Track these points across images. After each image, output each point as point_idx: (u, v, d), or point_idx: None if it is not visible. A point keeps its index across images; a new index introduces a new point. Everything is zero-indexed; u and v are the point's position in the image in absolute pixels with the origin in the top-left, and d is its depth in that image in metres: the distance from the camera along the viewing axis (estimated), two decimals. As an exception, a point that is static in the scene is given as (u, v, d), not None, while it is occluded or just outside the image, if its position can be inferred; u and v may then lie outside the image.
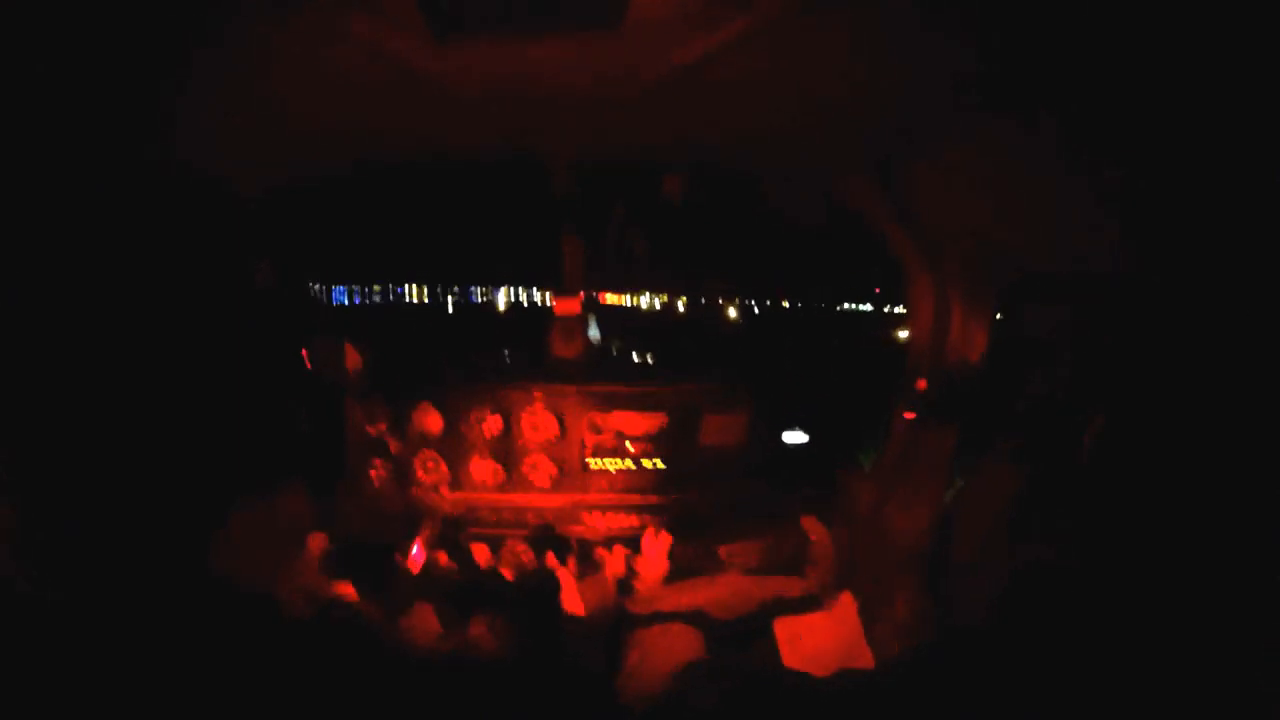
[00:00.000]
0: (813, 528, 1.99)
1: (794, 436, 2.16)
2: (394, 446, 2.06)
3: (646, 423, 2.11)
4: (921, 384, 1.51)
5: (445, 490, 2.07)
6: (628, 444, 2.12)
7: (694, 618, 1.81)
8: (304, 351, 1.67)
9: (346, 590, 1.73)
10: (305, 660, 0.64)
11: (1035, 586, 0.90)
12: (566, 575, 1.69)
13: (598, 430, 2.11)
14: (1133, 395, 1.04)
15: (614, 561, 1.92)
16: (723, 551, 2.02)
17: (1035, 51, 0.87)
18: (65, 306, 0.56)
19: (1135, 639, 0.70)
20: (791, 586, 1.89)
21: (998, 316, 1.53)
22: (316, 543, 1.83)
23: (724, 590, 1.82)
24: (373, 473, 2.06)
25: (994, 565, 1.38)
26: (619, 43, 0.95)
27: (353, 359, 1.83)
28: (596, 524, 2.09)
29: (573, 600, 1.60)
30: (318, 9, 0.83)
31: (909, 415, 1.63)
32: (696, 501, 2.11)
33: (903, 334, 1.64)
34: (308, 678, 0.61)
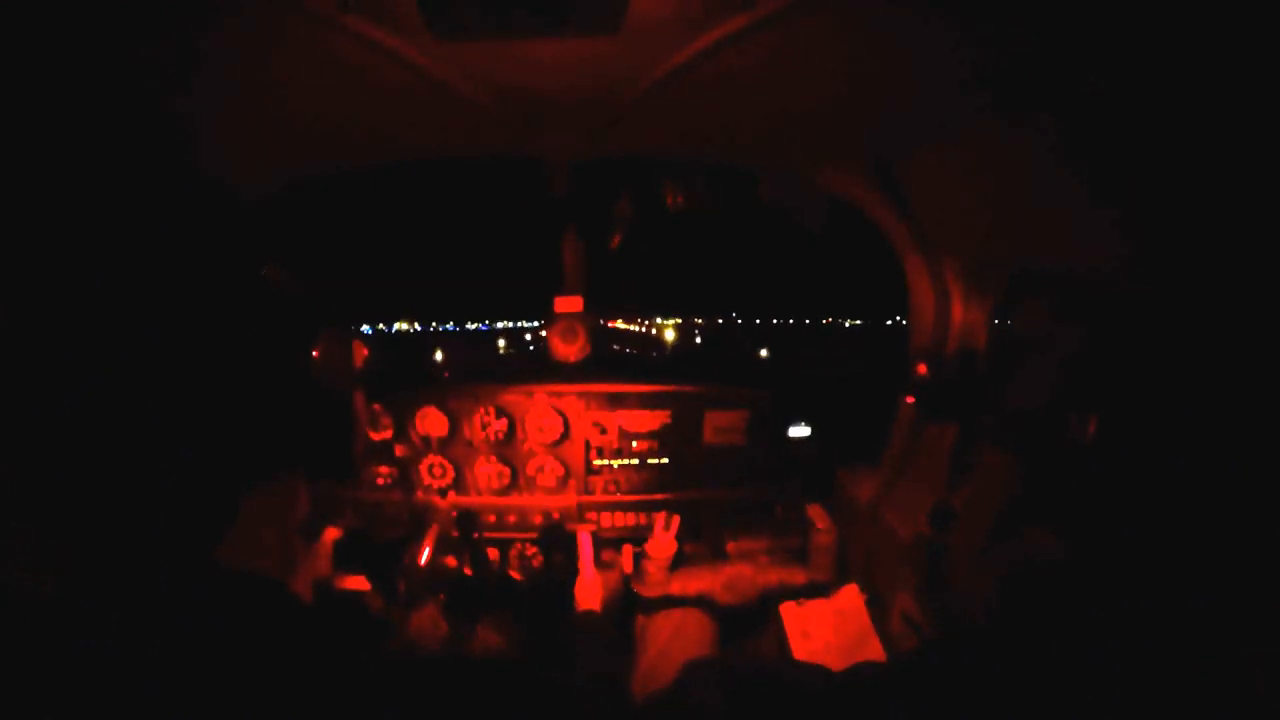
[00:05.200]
0: (818, 516, 2.01)
1: (798, 430, 2.16)
2: (399, 451, 2.07)
3: (650, 421, 2.12)
4: (922, 368, 1.51)
5: (452, 494, 2.08)
6: (632, 443, 2.13)
7: (701, 602, 1.83)
8: (315, 349, 1.69)
9: (358, 583, 1.74)
10: (314, 651, 0.64)
11: (1037, 579, 0.91)
12: (587, 564, 1.69)
13: (602, 430, 2.12)
14: (1132, 391, 1.04)
15: (623, 561, 1.93)
16: (730, 547, 2.03)
17: (1036, 52, 0.87)
18: (74, 303, 0.57)
19: (1137, 631, 0.71)
20: (796, 575, 1.91)
21: (996, 322, 1.53)
22: (330, 536, 1.85)
23: (730, 577, 1.84)
24: (379, 479, 2.07)
25: (995, 559, 1.38)
26: (619, 45, 0.95)
27: (360, 354, 1.86)
28: (603, 524, 2.10)
29: (589, 594, 1.60)
30: (317, 9, 0.84)
31: (909, 400, 1.64)
32: (702, 499, 2.11)
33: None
34: (317, 669, 0.62)
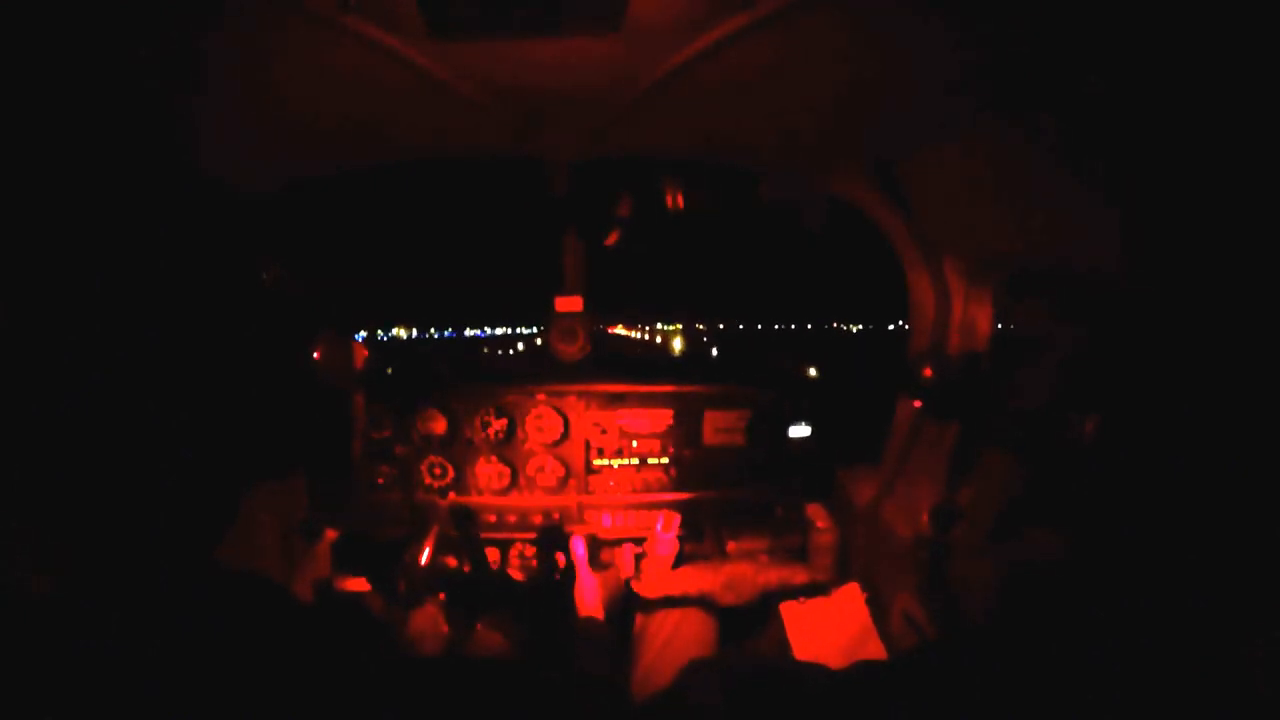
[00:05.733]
0: (817, 515, 2.01)
1: (798, 430, 2.16)
2: (399, 451, 2.07)
3: (651, 422, 2.12)
4: (928, 372, 1.52)
5: (452, 494, 2.08)
6: (633, 443, 2.13)
7: (701, 602, 1.82)
8: (316, 351, 1.70)
9: (358, 584, 1.74)
10: (314, 651, 0.64)
11: (1037, 579, 0.91)
12: (583, 568, 1.69)
13: (602, 430, 2.12)
14: (1132, 391, 1.04)
15: (622, 561, 1.93)
16: (730, 547, 2.03)
17: (1036, 52, 0.87)
18: (74, 303, 0.57)
19: (1137, 631, 0.71)
20: (797, 574, 1.91)
21: (998, 325, 1.53)
22: (329, 537, 1.85)
23: (730, 577, 1.83)
24: (379, 479, 2.07)
25: (995, 559, 1.38)
26: (619, 44, 0.95)
27: (360, 354, 1.86)
28: (603, 524, 2.10)
29: (588, 597, 1.61)
30: (317, 9, 0.84)
31: (916, 404, 1.64)
32: (702, 499, 2.11)
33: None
34: (317, 669, 0.62)
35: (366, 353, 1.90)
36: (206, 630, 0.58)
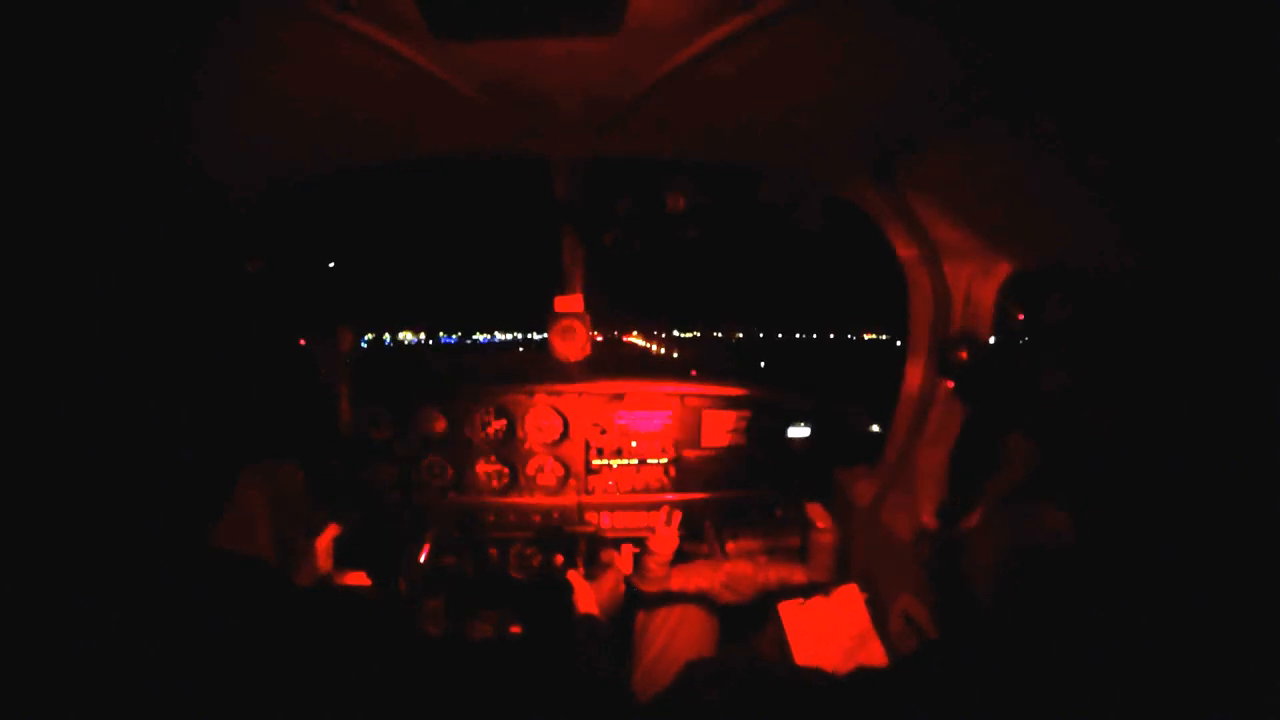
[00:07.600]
0: (818, 515, 2.01)
1: (798, 430, 2.16)
2: (399, 451, 2.07)
3: (651, 421, 2.12)
4: (963, 354, 1.51)
5: (451, 493, 2.08)
6: (632, 443, 2.13)
7: (701, 600, 1.83)
8: (307, 342, 1.70)
9: (359, 580, 1.74)
10: (313, 644, 0.64)
11: (1040, 576, 0.91)
12: (577, 578, 1.70)
13: (602, 430, 2.12)
14: (1136, 387, 1.04)
15: (622, 561, 1.93)
16: (730, 546, 2.04)
17: (1036, 52, 0.87)
18: (74, 304, 0.57)
19: (1137, 633, 0.71)
20: (796, 573, 1.91)
21: (997, 322, 1.53)
22: (329, 534, 1.85)
23: (730, 575, 1.84)
24: (379, 479, 2.07)
25: (1002, 550, 1.38)
26: (619, 44, 0.95)
27: (346, 339, 1.86)
28: (603, 524, 2.10)
29: (586, 600, 1.61)
30: (318, 9, 0.84)
31: (949, 384, 1.63)
32: (702, 499, 2.11)
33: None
34: (315, 662, 0.62)
35: (351, 335, 1.90)
36: (206, 628, 0.58)
